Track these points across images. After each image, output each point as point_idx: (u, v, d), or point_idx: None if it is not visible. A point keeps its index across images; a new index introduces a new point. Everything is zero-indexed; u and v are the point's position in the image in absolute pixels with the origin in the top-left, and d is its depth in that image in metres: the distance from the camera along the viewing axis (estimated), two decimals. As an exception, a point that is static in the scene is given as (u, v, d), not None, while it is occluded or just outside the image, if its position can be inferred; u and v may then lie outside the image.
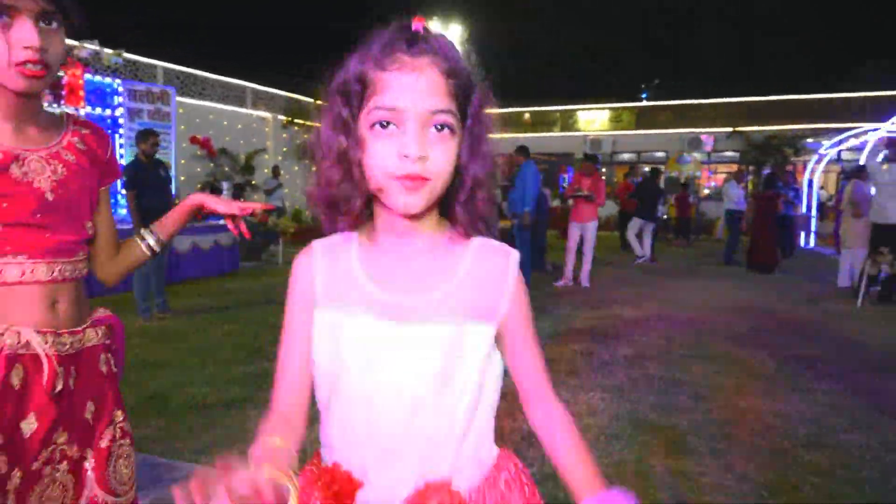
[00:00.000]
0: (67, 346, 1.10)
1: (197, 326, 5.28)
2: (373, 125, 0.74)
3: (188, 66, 11.95)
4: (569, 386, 3.79)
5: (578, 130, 21.26)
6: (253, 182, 12.38)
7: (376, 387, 0.77)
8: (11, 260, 1.04)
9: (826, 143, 14.82)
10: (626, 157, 21.09)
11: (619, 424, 3.20)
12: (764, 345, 4.91)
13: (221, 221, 8.68)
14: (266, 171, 13.99)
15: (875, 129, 12.29)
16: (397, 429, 0.76)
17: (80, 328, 1.13)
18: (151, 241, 1.28)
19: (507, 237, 7.47)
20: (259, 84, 14.20)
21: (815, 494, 2.51)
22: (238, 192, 10.93)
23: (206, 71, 12.51)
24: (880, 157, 6.93)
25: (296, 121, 14.82)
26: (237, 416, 3.23)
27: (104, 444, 1.14)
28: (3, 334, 1.01)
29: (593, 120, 21.35)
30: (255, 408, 3.29)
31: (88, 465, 1.11)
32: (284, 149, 14.81)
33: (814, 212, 14.25)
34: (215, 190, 9.84)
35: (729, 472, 2.70)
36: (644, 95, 25.91)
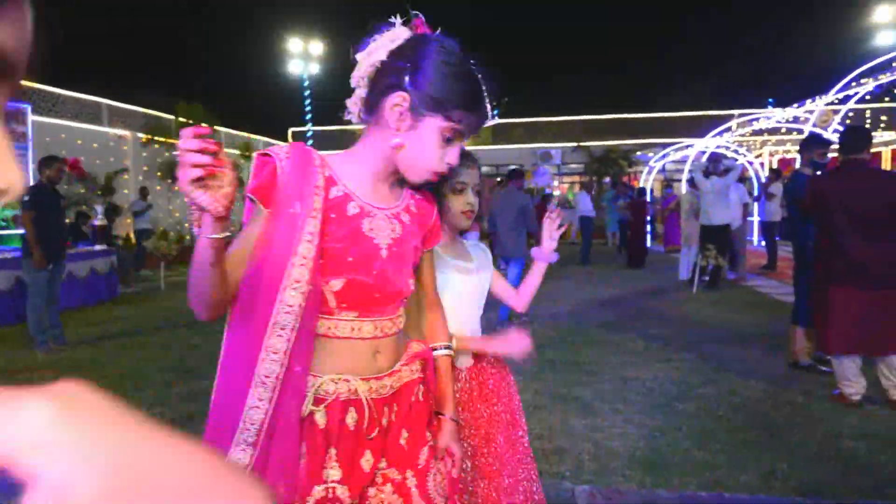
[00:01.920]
0: (387, 388, 1.16)
1: (108, 355, 5.18)
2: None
3: (37, 82, 11.02)
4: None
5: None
6: (117, 205, 11.68)
7: None
8: (345, 316, 1.11)
9: (653, 155, 17.15)
10: (485, 169, 22.54)
11: (540, 398, 3.87)
12: (630, 328, 5.91)
13: (96, 247, 8.25)
14: (126, 191, 13.23)
15: (691, 146, 14.54)
16: None
17: (397, 368, 1.19)
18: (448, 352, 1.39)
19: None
20: (115, 100, 13.38)
21: (689, 431, 3.33)
22: (111, 216, 10.32)
23: (57, 87, 11.60)
24: (702, 170, 8.42)
25: (156, 138, 14.15)
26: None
27: (421, 464, 1.20)
28: (337, 383, 1.09)
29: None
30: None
31: (411, 483, 1.17)
32: (145, 168, 14.06)
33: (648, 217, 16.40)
34: (84, 216, 9.25)
35: (628, 423, 3.46)
36: (496, 112, 27.77)
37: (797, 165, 5.12)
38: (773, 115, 11.11)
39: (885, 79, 6.65)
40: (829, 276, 3.69)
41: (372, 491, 1.13)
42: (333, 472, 1.07)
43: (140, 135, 13.93)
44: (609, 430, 3.36)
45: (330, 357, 1.10)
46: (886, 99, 12.82)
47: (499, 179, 14.80)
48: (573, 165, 22.43)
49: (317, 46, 19.34)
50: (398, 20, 1.15)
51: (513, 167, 7.55)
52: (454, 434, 1.30)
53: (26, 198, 4.85)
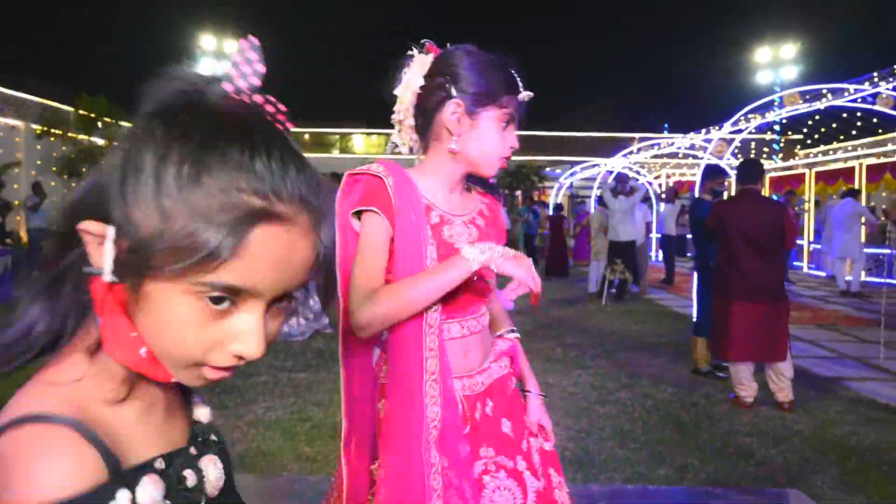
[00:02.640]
0: (479, 385, 1.25)
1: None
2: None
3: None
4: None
5: (356, 153, 22.31)
6: (8, 201, 10.78)
7: None
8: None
9: (562, 172, 18.07)
10: (399, 179, 22.73)
11: (472, 403, 4.07)
12: (549, 337, 6.27)
13: (-9, 246, 7.60)
14: (17, 187, 12.25)
15: (597, 164, 15.51)
16: None
17: (486, 366, 1.28)
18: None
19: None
20: (7, 88, 12.36)
21: (611, 432, 3.65)
22: (3, 211, 9.51)
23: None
24: (610, 189, 9.04)
25: (53, 130, 13.20)
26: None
27: (525, 448, 1.30)
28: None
29: (372, 144, 22.59)
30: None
31: (521, 466, 1.26)
32: (39, 161, 13.08)
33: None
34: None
35: (556, 426, 3.71)
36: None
37: (697, 192, 5.69)
38: (674, 141, 12.09)
39: (771, 116, 7.50)
40: (727, 291, 4.16)
41: (487, 478, 1.21)
42: (443, 460, 1.17)
43: (34, 126, 12.95)
44: (540, 431, 3.61)
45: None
46: (769, 132, 14.29)
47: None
48: (485, 177, 23.10)
49: (231, 45, 18.83)
50: (415, 51, 1.27)
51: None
52: (542, 408, 1.39)
53: None
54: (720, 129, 8.10)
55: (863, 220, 9.63)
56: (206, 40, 18.36)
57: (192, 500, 0.57)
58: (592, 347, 5.82)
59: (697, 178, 7.32)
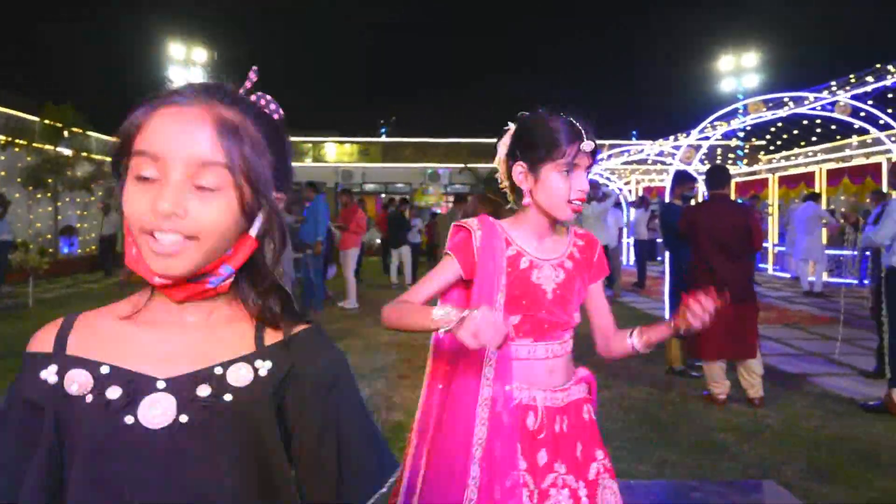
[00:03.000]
0: (559, 400, 1.44)
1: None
2: None
3: None
4: (406, 385, 4.62)
5: (329, 162, 22.23)
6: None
7: None
8: (522, 342, 1.43)
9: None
10: (373, 187, 22.72)
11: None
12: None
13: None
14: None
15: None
16: None
17: (567, 386, 1.47)
18: (637, 343, 1.54)
19: (299, 267, 7.98)
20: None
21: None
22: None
23: None
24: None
25: (17, 141, 12.89)
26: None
27: (591, 476, 1.44)
28: (520, 391, 1.40)
29: (345, 152, 22.54)
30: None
31: (582, 493, 1.40)
32: (3, 172, 12.73)
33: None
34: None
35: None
36: (383, 131, 28.16)
37: (667, 197, 5.87)
38: (643, 148, 12.38)
39: (735, 124, 7.76)
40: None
41: (553, 491, 1.38)
42: (521, 463, 1.36)
43: (-1, 137, 12.64)
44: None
45: (514, 372, 1.42)
46: (734, 139, 14.72)
47: (390, 199, 15.16)
48: (458, 186, 23.26)
49: (200, 53, 18.64)
50: (509, 125, 1.50)
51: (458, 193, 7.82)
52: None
53: None
54: (688, 136, 8.34)
55: (824, 222, 9.99)
56: (175, 49, 18.12)
57: (113, 411, 0.68)
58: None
59: (667, 184, 7.55)
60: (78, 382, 0.69)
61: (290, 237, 7.79)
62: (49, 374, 0.70)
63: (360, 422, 0.78)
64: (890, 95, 6.27)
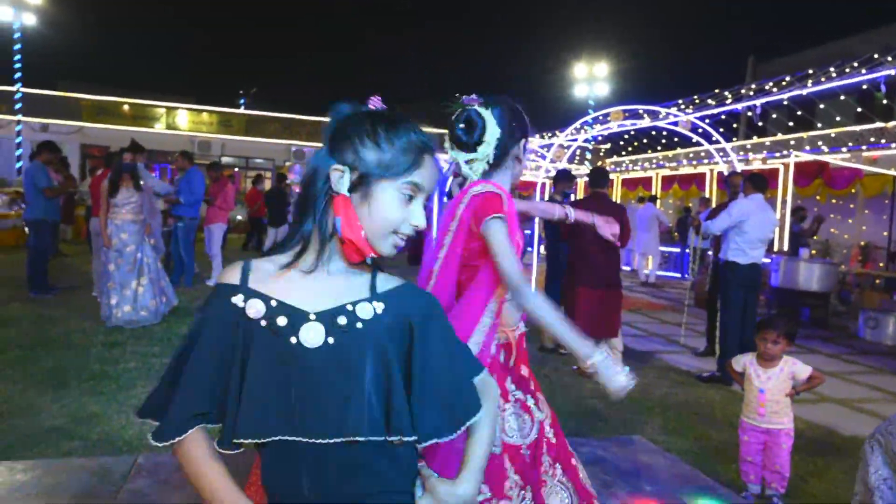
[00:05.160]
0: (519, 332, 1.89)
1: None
2: None
3: None
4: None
5: (183, 130, 20.74)
6: None
7: None
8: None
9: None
10: (230, 160, 21.59)
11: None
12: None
13: None
14: None
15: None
16: None
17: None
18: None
19: (168, 239, 7.54)
20: None
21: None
22: None
23: None
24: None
25: None
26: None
27: (532, 386, 1.88)
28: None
29: (203, 121, 21.13)
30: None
31: (530, 402, 1.83)
32: None
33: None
34: None
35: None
36: (242, 102, 26.76)
37: (547, 195, 6.47)
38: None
39: (598, 129, 8.64)
40: (575, 279, 4.88)
41: (507, 406, 1.76)
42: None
43: None
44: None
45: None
46: (592, 143, 16.12)
47: (258, 175, 14.56)
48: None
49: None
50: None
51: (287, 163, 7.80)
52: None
53: None
54: (557, 136, 9.11)
55: (659, 222, 11.45)
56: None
57: (281, 334, 0.94)
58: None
59: (539, 180, 8.22)
60: (256, 309, 0.95)
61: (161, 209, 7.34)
62: (238, 300, 0.96)
63: (451, 356, 1.04)
64: (723, 117, 7.41)
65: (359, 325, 0.96)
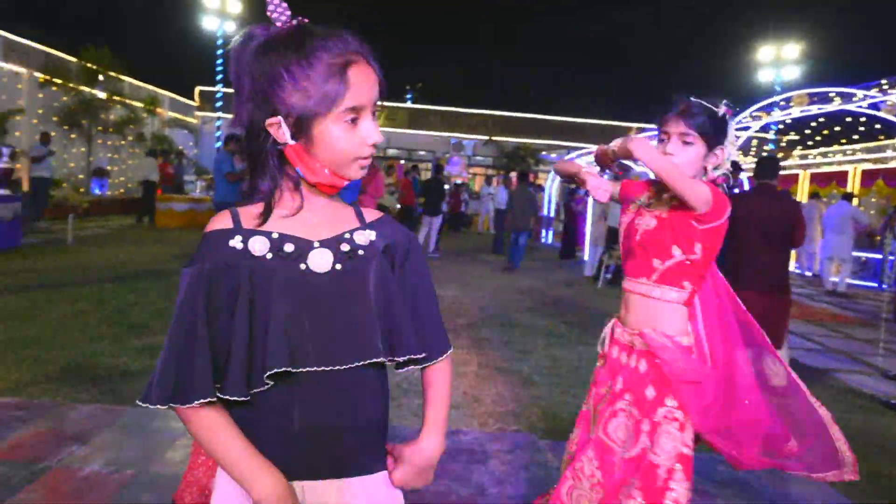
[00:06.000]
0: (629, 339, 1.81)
1: (36, 306, 4.95)
2: None
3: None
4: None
5: (355, 123, 22.15)
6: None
7: None
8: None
9: (558, 157, 18.19)
10: (395, 153, 22.72)
11: (485, 370, 4.27)
12: (550, 314, 6.48)
13: (1, 191, 7.62)
14: (18, 134, 12.13)
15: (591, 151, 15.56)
16: None
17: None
18: None
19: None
20: (12, 33, 12.13)
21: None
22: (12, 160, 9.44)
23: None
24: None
25: (55, 80, 13.02)
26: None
27: (657, 418, 1.66)
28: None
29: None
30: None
31: (644, 427, 1.66)
32: (41, 110, 12.91)
33: (552, 213, 17.37)
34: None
35: (565, 394, 3.94)
36: (409, 97, 28.00)
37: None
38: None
39: (777, 116, 7.68)
40: (737, 280, 4.35)
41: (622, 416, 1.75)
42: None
43: (38, 74, 12.78)
44: (550, 398, 3.82)
45: None
46: (771, 131, 14.51)
47: (413, 165, 15.13)
48: (480, 158, 23.19)
49: (235, 4, 18.52)
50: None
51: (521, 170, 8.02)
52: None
53: None
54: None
55: (855, 223, 9.92)
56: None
57: (291, 260, 0.93)
58: (593, 326, 6.03)
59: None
60: (259, 245, 0.93)
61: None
62: (236, 242, 0.93)
63: (428, 292, 1.07)
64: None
65: (360, 252, 0.98)
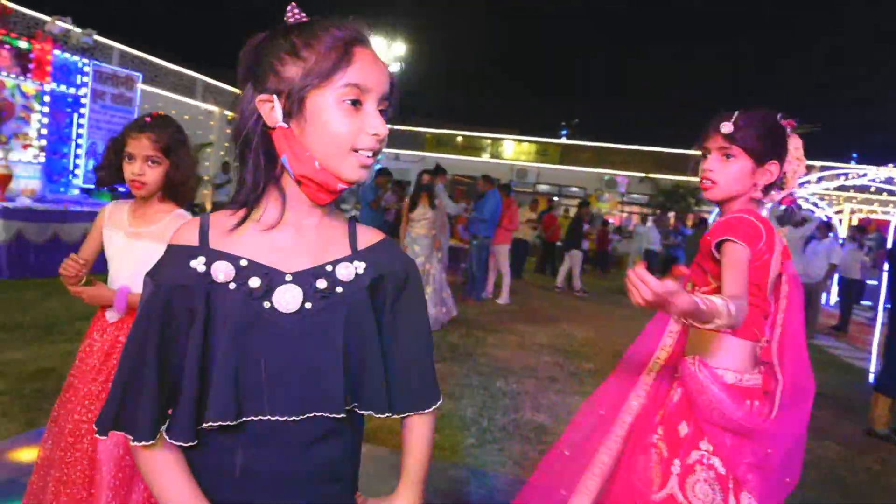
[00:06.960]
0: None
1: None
2: None
3: (144, 52, 11.68)
4: (555, 389, 4.47)
5: (505, 159, 22.44)
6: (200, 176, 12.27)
7: None
8: None
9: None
10: (546, 188, 22.50)
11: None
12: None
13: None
14: (206, 164, 13.83)
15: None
16: None
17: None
18: None
19: (465, 257, 8.10)
20: (210, 77, 14.02)
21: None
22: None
23: (160, 58, 12.26)
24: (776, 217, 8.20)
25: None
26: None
27: (690, 461, 1.41)
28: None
29: (523, 151, 22.60)
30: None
31: (674, 469, 1.43)
32: (226, 144, 14.67)
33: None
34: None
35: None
36: (564, 133, 27.74)
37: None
38: (867, 172, 10.73)
39: None
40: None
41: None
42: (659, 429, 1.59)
43: (227, 112, 14.55)
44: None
45: None
46: None
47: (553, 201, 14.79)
48: (636, 196, 22.14)
49: (399, 47, 19.72)
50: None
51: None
52: None
53: None
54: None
55: None
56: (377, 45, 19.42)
57: (253, 298, 0.82)
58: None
59: (894, 217, 6.44)
60: (223, 272, 0.83)
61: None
62: (198, 264, 0.83)
63: (419, 340, 0.95)
64: None
65: (339, 289, 0.87)
